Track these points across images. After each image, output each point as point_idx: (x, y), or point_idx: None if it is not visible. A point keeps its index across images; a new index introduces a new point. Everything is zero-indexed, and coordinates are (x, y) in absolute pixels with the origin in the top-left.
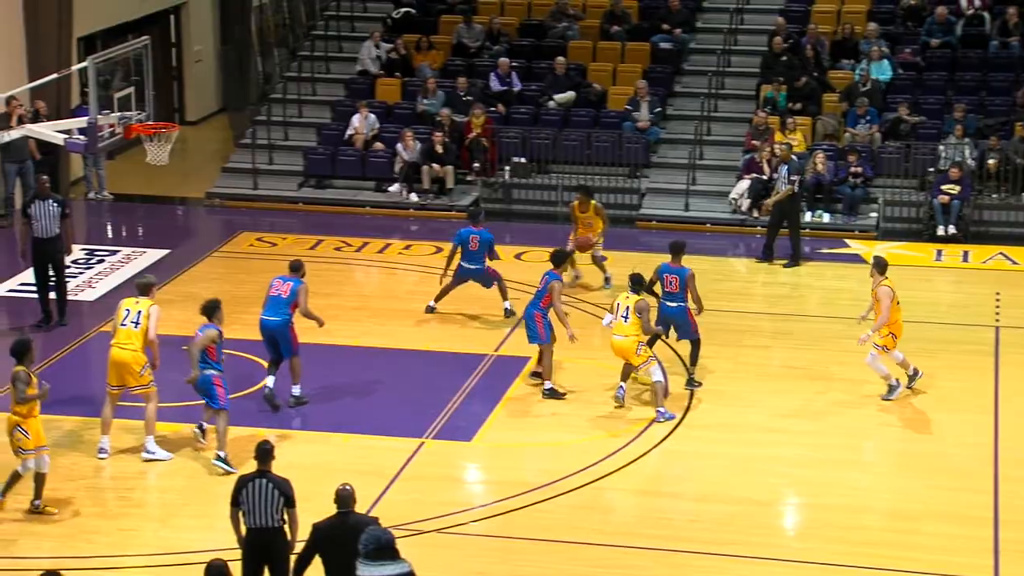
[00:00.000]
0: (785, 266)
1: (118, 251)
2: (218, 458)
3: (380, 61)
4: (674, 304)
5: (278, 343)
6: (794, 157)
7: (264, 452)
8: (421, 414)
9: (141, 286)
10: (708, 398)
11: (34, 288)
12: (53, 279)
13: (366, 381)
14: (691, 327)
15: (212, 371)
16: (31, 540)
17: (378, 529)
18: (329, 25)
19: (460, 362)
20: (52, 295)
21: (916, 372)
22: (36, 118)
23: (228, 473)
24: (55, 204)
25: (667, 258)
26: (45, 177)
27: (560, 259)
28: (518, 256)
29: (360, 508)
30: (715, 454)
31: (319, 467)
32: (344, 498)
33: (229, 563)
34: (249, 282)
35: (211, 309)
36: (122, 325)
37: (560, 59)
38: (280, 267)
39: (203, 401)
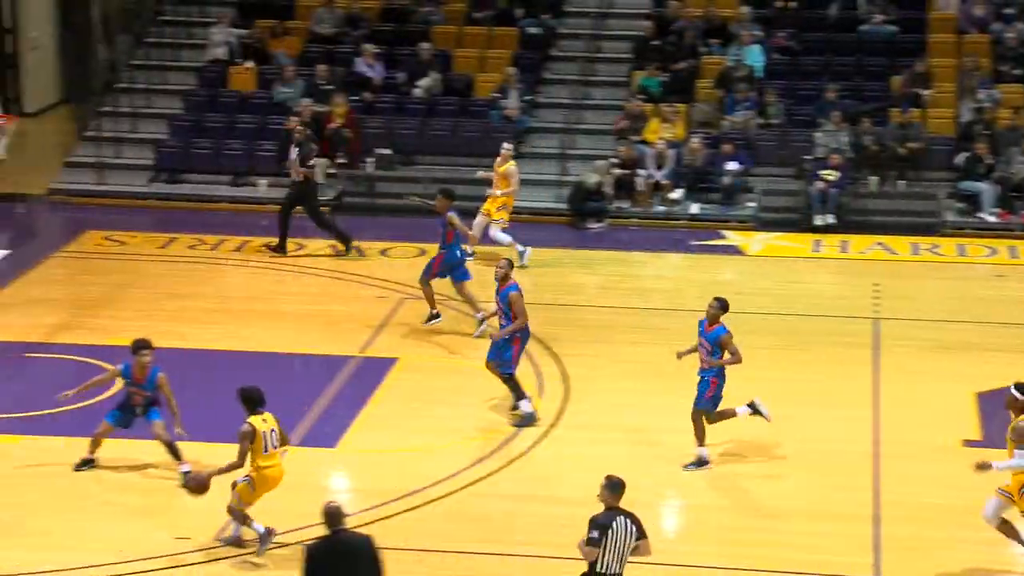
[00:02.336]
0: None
1: None
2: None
3: (231, 47)
4: None
5: None
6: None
7: (337, 514)
8: (283, 419)
9: None
10: (581, 398)
11: None
12: None
13: (224, 386)
14: None
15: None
16: None
17: None
18: (179, 10)
19: (324, 364)
20: None
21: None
22: None
23: None
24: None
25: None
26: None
27: None
28: (383, 252)
29: (218, 521)
30: (593, 455)
31: (176, 478)
32: (335, 515)
33: None
34: (97, 283)
35: None
36: None
37: (425, 45)
38: (131, 266)
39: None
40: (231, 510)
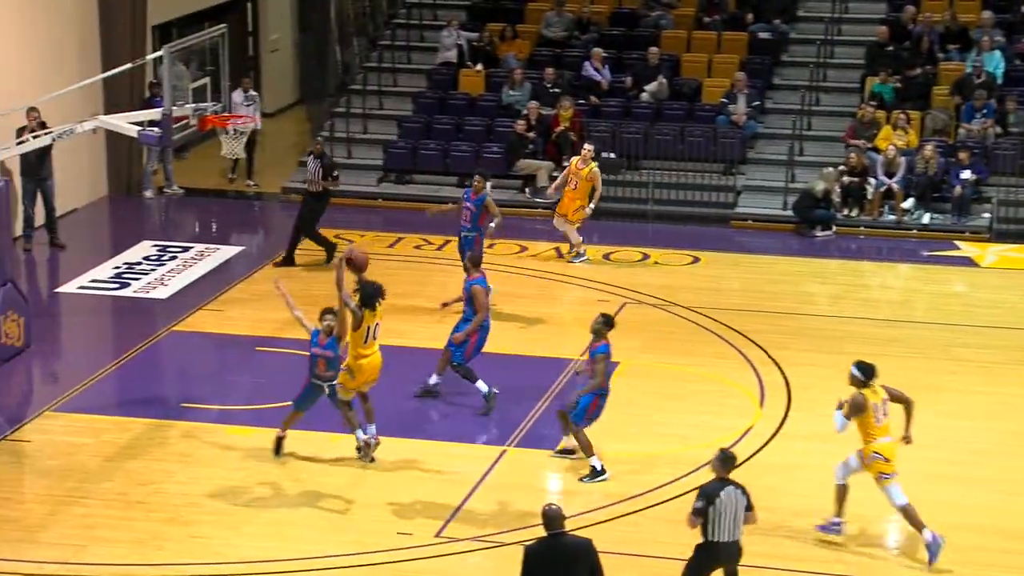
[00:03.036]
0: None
1: (190, 248)
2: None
3: (461, 50)
4: None
5: None
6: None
7: (557, 516)
8: (503, 421)
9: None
10: (805, 408)
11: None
12: None
13: (445, 386)
14: None
15: None
16: (100, 547)
17: None
18: (411, 13)
19: (545, 366)
20: None
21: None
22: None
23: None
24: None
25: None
26: (320, 139)
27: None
28: (606, 256)
29: (440, 518)
30: (813, 466)
31: (397, 474)
32: (553, 518)
33: None
34: (324, 281)
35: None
36: None
37: (653, 49)
38: None
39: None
40: (339, 404)
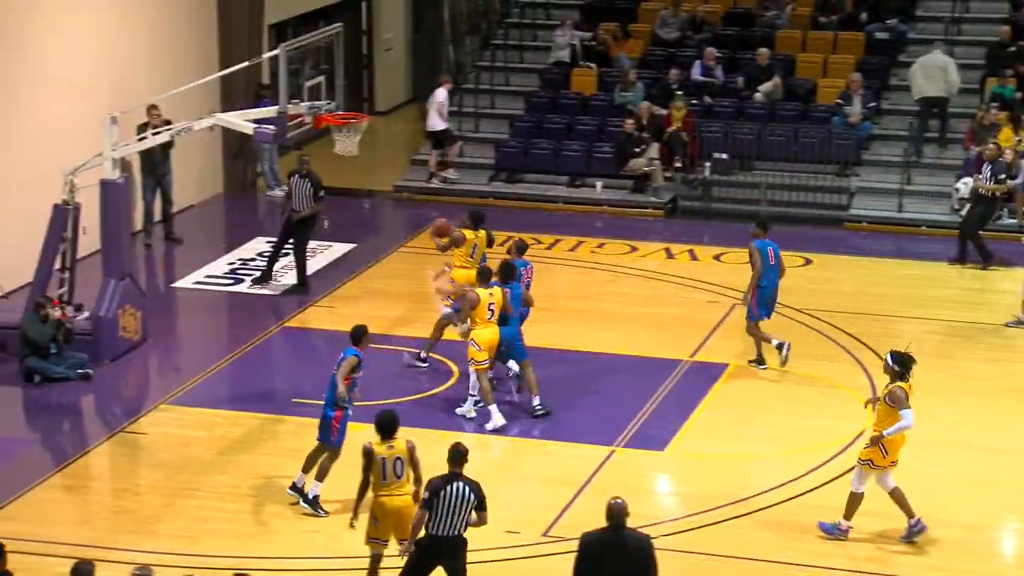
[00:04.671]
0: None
1: None
2: (293, 487)
3: (574, 50)
4: None
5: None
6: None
7: (459, 455)
8: (612, 421)
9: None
10: (916, 412)
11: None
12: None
13: (554, 385)
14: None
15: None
16: (212, 539)
17: None
18: (524, 12)
19: (654, 367)
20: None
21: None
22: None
23: (308, 514)
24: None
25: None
26: (307, 157)
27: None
28: (717, 258)
29: (548, 517)
30: (924, 474)
31: (505, 472)
32: (616, 512)
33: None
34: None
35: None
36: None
37: (762, 50)
38: None
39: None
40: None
